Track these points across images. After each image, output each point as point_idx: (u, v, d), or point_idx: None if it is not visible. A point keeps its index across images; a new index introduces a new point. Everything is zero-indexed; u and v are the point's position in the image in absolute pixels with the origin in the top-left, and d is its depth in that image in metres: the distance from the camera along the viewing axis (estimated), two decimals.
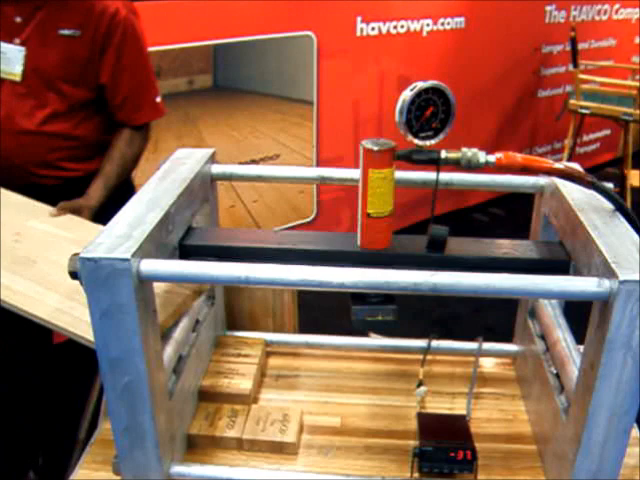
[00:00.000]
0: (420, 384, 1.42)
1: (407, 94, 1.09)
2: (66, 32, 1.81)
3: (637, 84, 4.67)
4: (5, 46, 1.79)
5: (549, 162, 1.14)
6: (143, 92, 2.01)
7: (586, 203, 1.16)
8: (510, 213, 4.64)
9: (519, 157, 1.11)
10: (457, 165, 1.11)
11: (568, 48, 4.65)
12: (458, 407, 1.40)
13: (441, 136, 1.12)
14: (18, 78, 1.82)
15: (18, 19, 1.78)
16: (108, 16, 1.84)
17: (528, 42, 4.71)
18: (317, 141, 3.66)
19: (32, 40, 1.80)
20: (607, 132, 5.77)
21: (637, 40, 5.61)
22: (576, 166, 1.25)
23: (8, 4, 1.76)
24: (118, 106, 1.96)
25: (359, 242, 1.19)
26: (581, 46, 4.70)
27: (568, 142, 4.94)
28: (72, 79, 1.88)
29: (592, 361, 1.00)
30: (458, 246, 1.21)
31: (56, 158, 1.94)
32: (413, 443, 1.25)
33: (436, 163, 1.12)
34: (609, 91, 4.66)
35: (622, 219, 1.10)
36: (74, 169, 1.96)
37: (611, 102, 4.57)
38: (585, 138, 5.57)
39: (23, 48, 1.80)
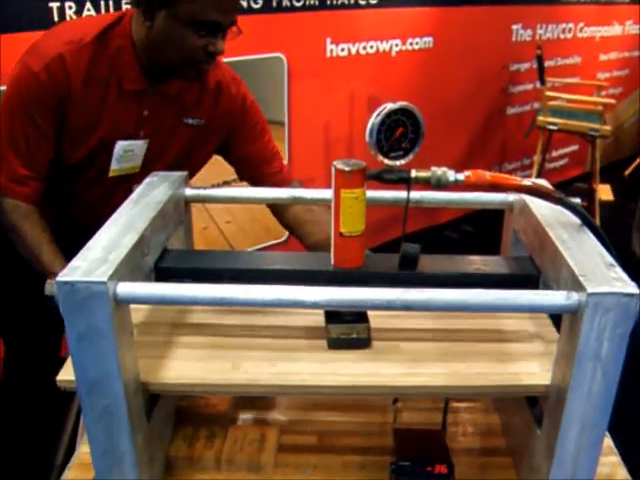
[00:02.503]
0: (396, 400, 1.43)
1: (377, 115, 1.11)
2: (191, 121, 1.77)
3: (603, 100, 4.75)
4: (132, 143, 1.72)
5: (517, 179, 1.16)
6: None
7: (554, 218, 1.18)
8: (481, 230, 4.67)
9: (487, 175, 1.13)
10: (427, 184, 1.14)
11: (535, 66, 4.72)
12: (434, 422, 1.41)
13: (411, 156, 1.14)
14: (137, 170, 1.77)
15: (146, 112, 1.71)
16: (239, 107, 1.83)
17: (496, 60, 4.76)
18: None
19: (156, 131, 1.75)
20: (575, 148, 5.84)
21: (601, 57, 5.71)
22: (544, 182, 1.28)
23: (137, 99, 1.68)
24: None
25: (332, 261, 1.21)
26: (547, 64, 4.77)
27: (537, 158, 5.00)
28: (189, 161, 1.84)
29: (563, 373, 1.02)
30: (430, 263, 1.23)
31: None
32: (390, 459, 1.26)
33: (406, 182, 1.14)
34: (576, 107, 4.73)
35: (589, 233, 1.13)
36: None
37: (578, 118, 4.64)
38: (554, 154, 5.63)
39: (147, 141, 1.74)
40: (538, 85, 4.76)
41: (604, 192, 5.17)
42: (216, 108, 1.78)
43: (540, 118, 4.71)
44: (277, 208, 1.80)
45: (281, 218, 1.83)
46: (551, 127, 4.68)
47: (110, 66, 1.62)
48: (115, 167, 1.73)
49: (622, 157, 6.21)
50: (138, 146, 1.73)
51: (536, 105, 5.07)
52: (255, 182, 1.89)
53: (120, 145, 1.70)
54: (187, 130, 1.78)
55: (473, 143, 4.84)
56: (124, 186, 1.76)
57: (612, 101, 4.85)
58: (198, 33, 1.54)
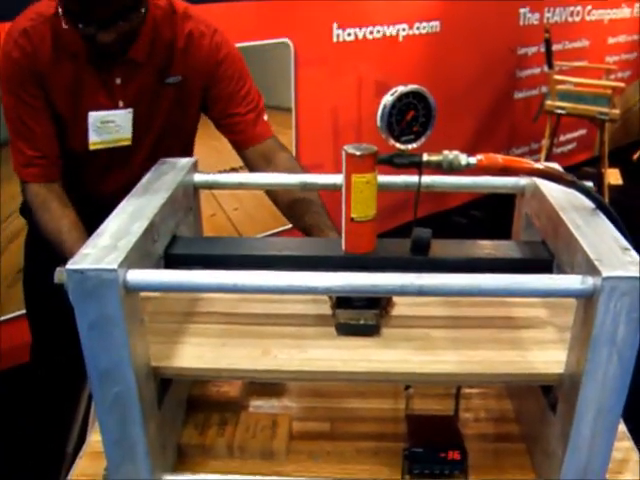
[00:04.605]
0: (408, 386, 1.42)
1: (388, 99, 1.10)
2: (170, 80, 1.73)
3: (612, 84, 4.72)
4: (110, 113, 1.70)
5: (529, 162, 1.15)
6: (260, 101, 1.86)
7: (567, 202, 1.17)
8: (489, 215, 4.65)
9: (500, 158, 1.12)
10: (439, 168, 1.12)
11: (542, 49, 4.69)
12: (446, 408, 1.40)
13: (423, 139, 1.13)
14: (128, 142, 1.75)
15: (118, 81, 1.68)
16: (213, 59, 1.75)
17: (503, 44, 4.73)
18: (296, 148, 3.66)
19: (138, 99, 1.72)
20: (583, 132, 5.81)
21: (610, 40, 5.67)
22: (556, 166, 1.26)
23: (105, 69, 1.66)
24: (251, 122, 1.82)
25: (344, 247, 1.20)
26: (555, 47, 4.73)
27: (545, 142, 4.98)
28: (180, 123, 1.84)
29: (578, 358, 1.02)
30: (441, 248, 1.22)
31: None
32: (403, 445, 1.25)
33: (418, 166, 1.13)
34: (584, 91, 4.70)
35: (603, 217, 1.12)
36: None
37: (586, 102, 4.61)
38: (562, 138, 5.60)
39: (130, 109, 1.71)
40: (546, 69, 4.73)
41: (613, 176, 5.14)
42: (190, 61, 1.74)
43: (548, 102, 4.68)
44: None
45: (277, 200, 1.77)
46: (559, 111, 4.66)
47: (75, 39, 1.60)
48: (96, 140, 1.71)
49: (630, 141, 6.17)
50: (119, 116, 1.71)
51: (544, 89, 5.04)
52: (234, 140, 1.83)
53: (94, 116, 1.68)
54: (169, 91, 1.74)
55: (480, 128, 4.82)
56: (121, 161, 1.78)
57: (621, 84, 4.81)
58: (70, 19, 1.53)
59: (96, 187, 1.82)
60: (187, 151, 1.94)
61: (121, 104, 1.70)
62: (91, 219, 1.62)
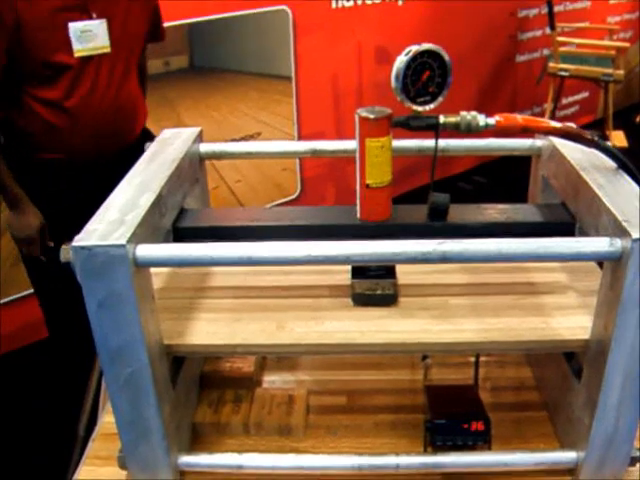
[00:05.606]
0: (425, 356, 1.39)
1: (402, 59, 1.06)
2: None
3: (616, 44, 4.66)
4: (88, 23, 1.89)
5: (549, 122, 1.11)
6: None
7: (588, 162, 1.14)
8: (494, 180, 4.62)
9: (519, 118, 1.08)
10: (456, 130, 1.08)
11: (544, 11, 4.62)
12: (465, 377, 1.37)
13: (440, 99, 1.09)
14: (108, 50, 1.95)
15: None
16: None
17: (504, 7, 4.67)
18: (297, 117, 3.61)
19: (107, 9, 1.93)
20: (585, 94, 5.75)
21: (611, 1, 5.59)
22: (573, 126, 1.22)
23: None
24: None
25: (359, 214, 1.16)
26: (556, 8, 4.67)
27: (548, 106, 4.93)
28: (144, 30, 2.10)
29: (605, 323, 0.98)
30: (459, 213, 1.18)
31: (136, 117, 2.14)
32: (422, 417, 1.23)
33: (435, 129, 1.09)
34: (587, 53, 4.64)
35: (626, 177, 1.08)
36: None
37: (590, 63, 4.56)
38: (564, 101, 5.55)
39: (104, 20, 1.92)
40: (547, 31, 4.67)
41: (617, 138, 5.10)
42: None
43: (551, 64, 4.63)
44: None
45: None
46: (563, 73, 4.60)
47: None
48: (79, 47, 1.90)
49: (632, 103, 6.11)
50: (95, 26, 1.92)
51: (546, 52, 4.98)
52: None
53: (73, 27, 1.87)
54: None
55: (483, 92, 4.77)
56: (106, 71, 1.99)
57: (626, 44, 4.75)
58: None
59: (88, 100, 1.97)
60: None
61: (94, 15, 1.91)
62: (83, 138, 1.98)
